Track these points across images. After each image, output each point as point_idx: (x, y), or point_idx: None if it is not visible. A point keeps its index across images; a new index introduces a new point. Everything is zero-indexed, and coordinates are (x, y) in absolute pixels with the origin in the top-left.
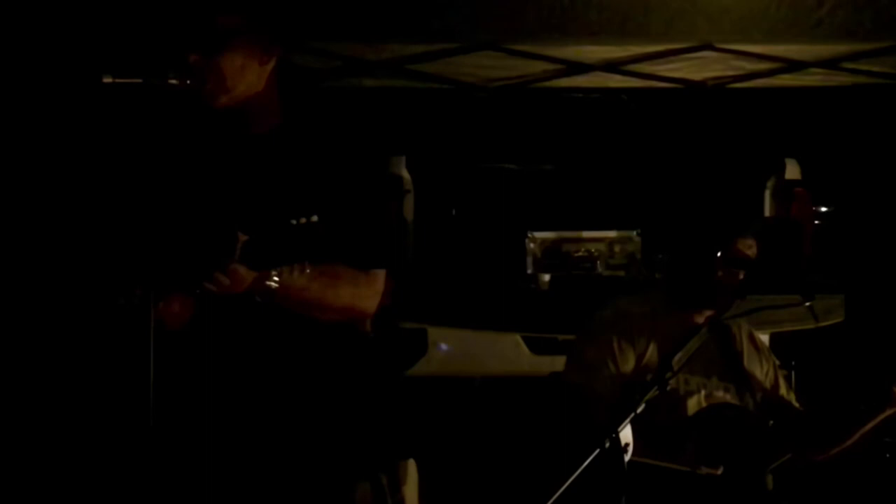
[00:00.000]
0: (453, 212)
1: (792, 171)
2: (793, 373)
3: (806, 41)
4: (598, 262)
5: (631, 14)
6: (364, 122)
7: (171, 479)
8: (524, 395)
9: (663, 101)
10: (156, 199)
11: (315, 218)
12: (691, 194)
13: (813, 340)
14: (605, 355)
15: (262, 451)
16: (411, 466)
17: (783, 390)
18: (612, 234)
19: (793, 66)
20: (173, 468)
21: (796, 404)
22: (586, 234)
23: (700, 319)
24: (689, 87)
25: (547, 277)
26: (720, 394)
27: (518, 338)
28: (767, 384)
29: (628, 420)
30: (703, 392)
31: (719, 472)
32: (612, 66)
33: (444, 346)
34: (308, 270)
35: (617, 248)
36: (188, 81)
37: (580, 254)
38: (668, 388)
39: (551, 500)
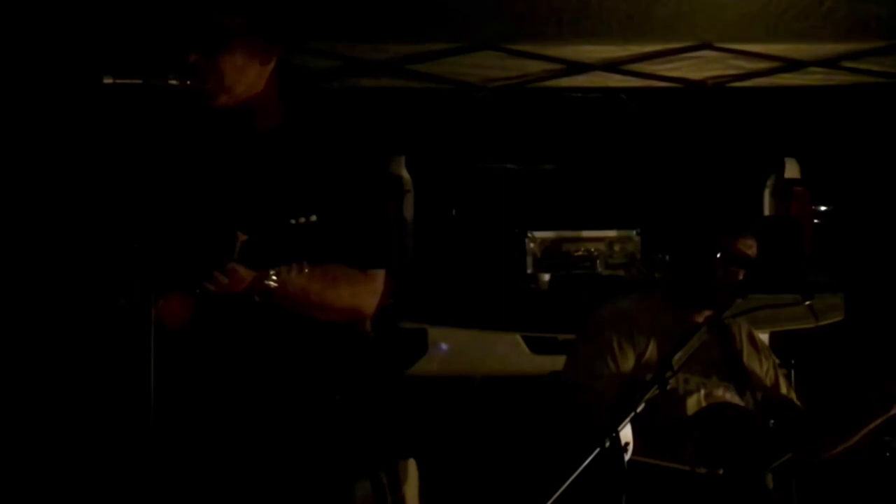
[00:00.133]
0: (453, 211)
1: (791, 170)
2: (792, 372)
3: (805, 40)
4: (598, 261)
5: (631, 14)
6: (364, 121)
7: (172, 477)
8: (524, 395)
9: (663, 101)
10: (155, 199)
11: (314, 218)
12: (691, 193)
13: (813, 339)
14: (604, 354)
15: (263, 450)
16: (411, 465)
17: (783, 389)
18: (611, 233)
19: (792, 65)
20: (174, 467)
21: (797, 403)
22: (586, 233)
23: (700, 319)
24: (689, 87)
25: (547, 277)
26: (720, 393)
27: (518, 337)
28: (767, 383)
29: (628, 419)
30: (702, 391)
31: (720, 471)
32: (611, 66)
33: (444, 346)
34: (307, 270)
35: (617, 248)
36: (188, 82)
37: (580, 253)
38: (668, 387)
39: (551, 500)
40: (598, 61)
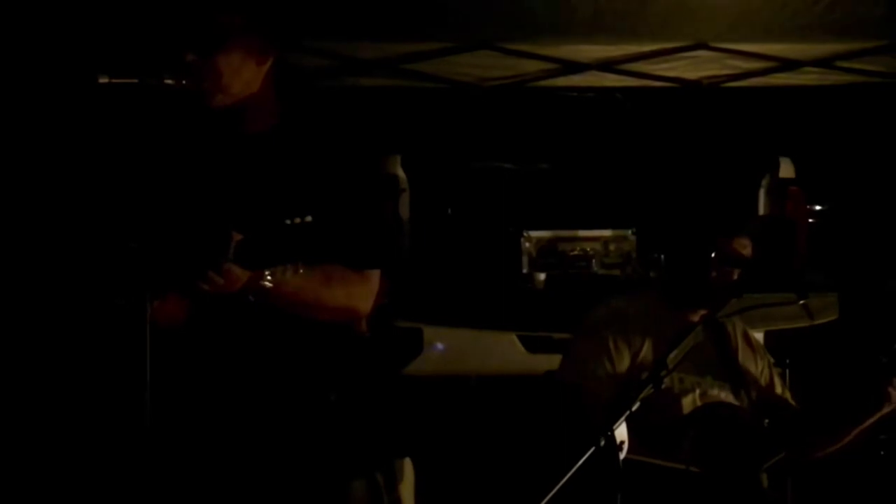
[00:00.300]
0: (449, 211)
1: (786, 169)
2: (787, 371)
3: (800, 40)
4: (594, 260)
5: (626, 13)
6: (359, 121)
7: (168, 477)
8: (520, 394)
9: (658, 101)
10: (151, 199)
11: (309, 218)
12: (686, 193)
13: (807, 339)
14: (600, 354)
15: (258, 450)
16: (407, 465)
17: (778, 389)
18: (607, 232)
19: (787, 65)
20: (169, 467)
21: (791, 403)
22: (582, 232)
23: (695, 318)
24: (684, 87)
25: (542, 276)
26: (715, 392)
27: (514, 336)
28: (762, 382)
29: (623, 418)
30: (697, 391)
31: (714, 470)
32: (607, 66)
33: (439, 345)
34: (302, 271)
35: (612, 247)
36: (184, 82)
37: (576, 253)
38: (663, 386)
39: (547, 498)
40: (593, 61)
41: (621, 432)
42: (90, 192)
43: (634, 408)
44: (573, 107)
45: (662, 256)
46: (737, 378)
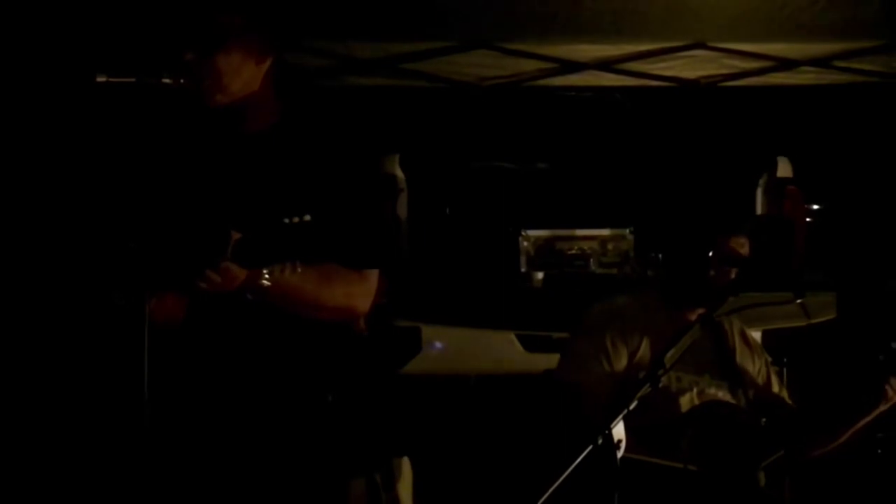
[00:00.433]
0: (447, 210)
1: (784, 169)
2: (785, 370)
3: (798, 40)
4: (592, 260)
5: (624, 13)
6: (358, 120)
7: (165, 476)
8: (518, 393)
9: (656, 100)
10: (149, 197)
11: (308, 217)
12: (684, 192)
13: (805, 338)
14: (598, 352)
15: (257, 449)
16: (405, 464)
17: (775, 387)
18: (605, 232)
19: (785, 64)
20: (167, 466)
21: (788, 401)
22: (579, 232)
23: (692, 317)
24: (682, 86)
25: (540, 275)
26: (712, 391)
27: (512, 335)
28: (759, 381)
29: (621, 417)
30: (695, 389)
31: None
32: (605, 65)
33: (438, 345)
34: (300, 269)
35: (610, 246)
36: (182, 81)
37: (573, 252)
38: (661, 385)
39: (545, 497)
40: (591, 60)
41: (619, 431)
42: (89, 190)
43: (632, 406)
44: (571, 106)
45: (660, 255)
46: (734, 377)
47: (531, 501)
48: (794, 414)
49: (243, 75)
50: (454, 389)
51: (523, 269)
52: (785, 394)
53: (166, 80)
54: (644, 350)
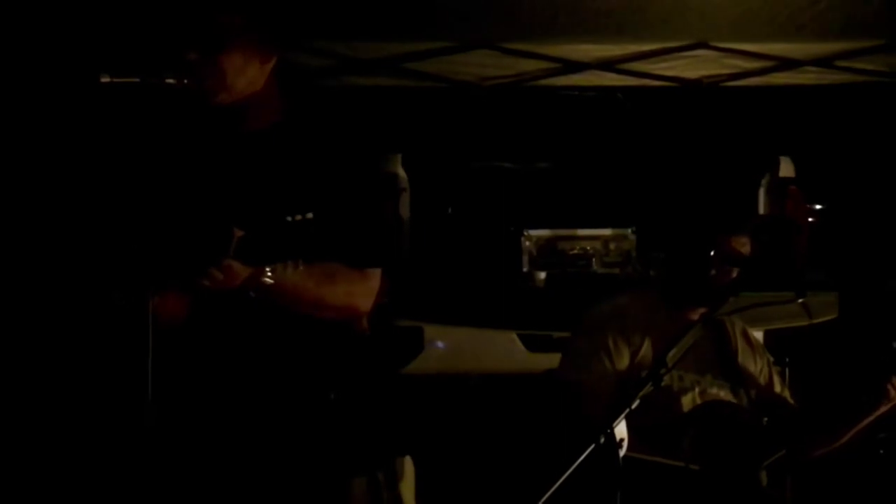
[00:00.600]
0: (449, 210)
1: (786, 168)
2: (787, 370)
3: (800, 40)
4: (594, 259)
5: (626, 13)
6: (360, 120)
7: (168, 475)
8: (520, 393)
9: (658, 100)
10: (152, 195)
11: (311, 215)
12: (686, 192)
13: (807, 337)
14: (599, 352)
15: (259, 448)
16: (407, 463)
17: (777, 387)
18: (607, 231)
19: (787, 64)
20: (169, 464)
21: (790, 401)
22: (581, 231)
23: (694, 316)
24: (684, 86)
25: (542, 275)
26: (714, 391)
27: (514, 335)
28: (761, 381)
29: (623, 416)
30: (697, 389)
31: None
32: (607, 65)
33: (439, 344)
34: (302, 268)
35: (612, 246)
36: (185, 80)
37: (575, 251)
38: (663, 384)
39: (546, 496)
40: (593, 60)
41: (621, 430)
42: (92, 189)
43: (634, 406)
44: (573, 106)
45: (662, 255)
46: (736, 376)
47: (533, 501)
48: (795, 414)
49: (248, 74)
50: (456, 389)
51: (525, 269)
52: (787, 393)
53: (170, 81)
54: (646, 349)
